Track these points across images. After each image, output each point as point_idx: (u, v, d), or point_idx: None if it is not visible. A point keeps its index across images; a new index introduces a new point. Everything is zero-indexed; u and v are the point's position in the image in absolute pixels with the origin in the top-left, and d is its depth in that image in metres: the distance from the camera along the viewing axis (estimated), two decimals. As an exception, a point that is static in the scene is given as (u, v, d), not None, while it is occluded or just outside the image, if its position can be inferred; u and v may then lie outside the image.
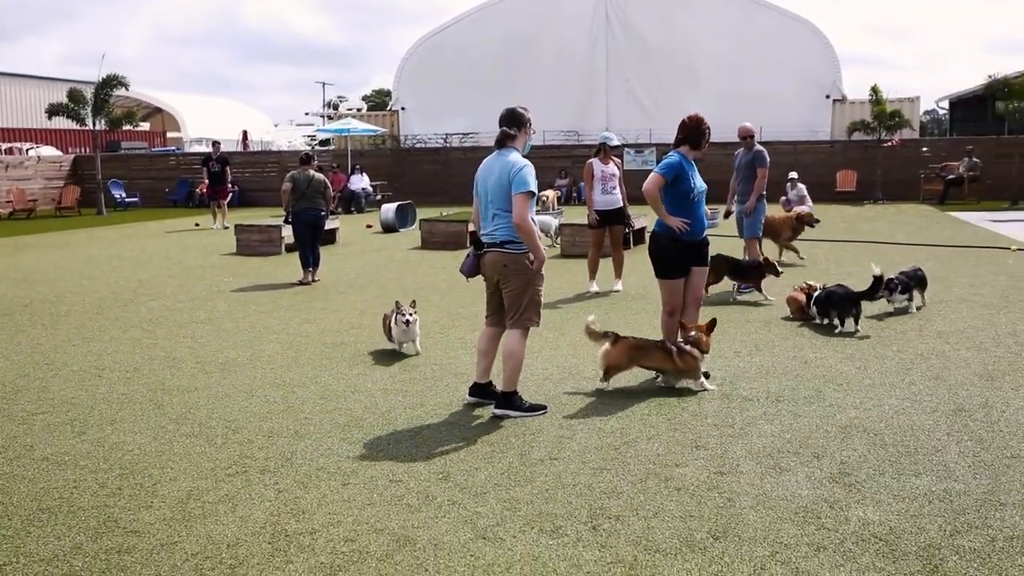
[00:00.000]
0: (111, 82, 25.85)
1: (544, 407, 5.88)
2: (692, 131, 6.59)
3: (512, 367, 5.76)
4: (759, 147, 10.70)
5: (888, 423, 5.49)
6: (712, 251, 7.03)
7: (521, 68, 32.89)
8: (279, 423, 5.75)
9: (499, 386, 5.86)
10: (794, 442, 5.17)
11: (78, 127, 27.84)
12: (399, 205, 19.96)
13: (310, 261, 11.95)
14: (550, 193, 21.96)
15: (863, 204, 24.67)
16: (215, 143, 22.70)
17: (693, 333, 6.31)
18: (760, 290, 9.89)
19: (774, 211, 13.22)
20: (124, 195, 29.35)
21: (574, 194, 27.04)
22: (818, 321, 8.39)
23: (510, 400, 5.78)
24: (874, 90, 25.81)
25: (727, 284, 10.47)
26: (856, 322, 8.06)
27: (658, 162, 6.80)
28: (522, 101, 6.11)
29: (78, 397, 6.47)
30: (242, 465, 4.99)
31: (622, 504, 4.34)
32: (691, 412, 5.80)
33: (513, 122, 5.79)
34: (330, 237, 15.99)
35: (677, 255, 6.57)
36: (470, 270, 5.90)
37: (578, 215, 15.31)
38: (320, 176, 12.12)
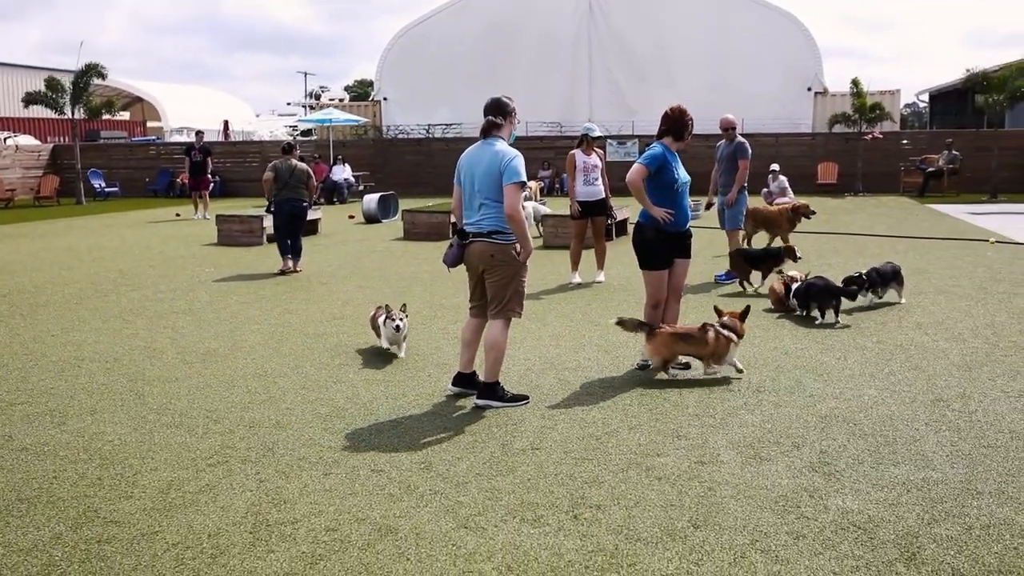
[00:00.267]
0: (90, 71, 25.59)
1: (526, 397, 5.90)
2: (675, 122, 6.59)
3: (494, 358, 5.75)
4: (741, 139, 10.73)
5: (867, 413, 5.54)
6: (693, 244, 7.04)
7: (504, 59, 32.89)
8: (260, 413, 5.73)
9: (482, 376, 5.87)
10: (774, 432, 5.21)
11: (56, 116, 27.54)
12: (381, 196, 19.91)
13: (289, 249, 11.90)
14: (533, 184, 21.96)
15: (844, 196, 24.83)
16: (199, 133, 22.52)
17: (727, 319, 6.37)
18: (750, 282, 9.91)
19: (756, 203, 13.25)
20: (104, 185, 29.07)
21: (557, 185, 27.05)
22: (798, 313, 8.45)
23: (492, 390, 5.78)
24: (855, 83, 25.94)
25: (709, 275, 10.53)
26: (836, 314, 8.12)
27: (640, 154, 6.80)
28: (505, 92, 6.09)
29: (58, 387, 6.42)
30: (223, 455, 4.98)
31: (603, 493, 4.36)
32: (672, 403, 5.83)
33: (499, 111, 5.75)
34: (312, 228, 15.93)
35: (661, 246, 6.59)
36: (453, 260, 5.82)
37: (561, 206, 15.31)
38: (303, 166, 12.05)
